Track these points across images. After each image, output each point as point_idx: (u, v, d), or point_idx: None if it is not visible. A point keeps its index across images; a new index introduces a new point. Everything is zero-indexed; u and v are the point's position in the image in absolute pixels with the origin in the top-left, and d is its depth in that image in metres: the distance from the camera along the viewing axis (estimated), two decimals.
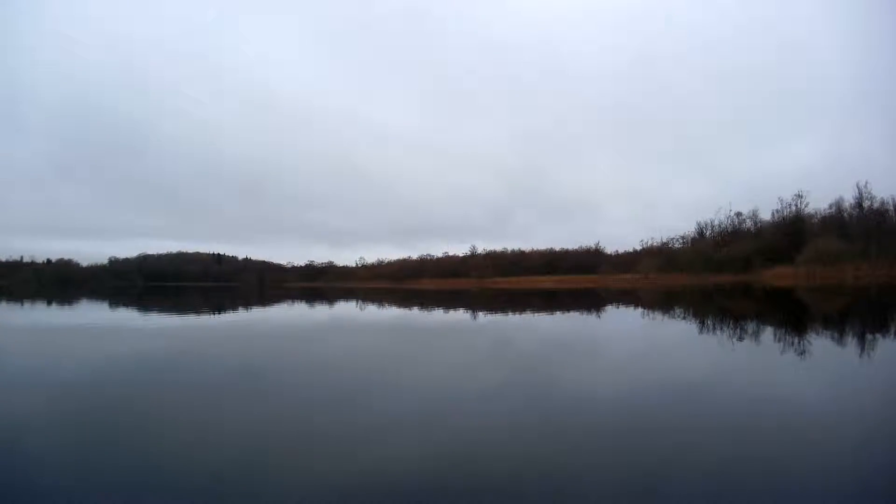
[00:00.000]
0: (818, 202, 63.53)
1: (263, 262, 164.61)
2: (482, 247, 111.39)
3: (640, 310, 16.65)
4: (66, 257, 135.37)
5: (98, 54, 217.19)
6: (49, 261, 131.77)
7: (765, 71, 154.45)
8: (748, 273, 53.25)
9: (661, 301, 21.61)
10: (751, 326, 10.03)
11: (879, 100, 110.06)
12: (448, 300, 25.57)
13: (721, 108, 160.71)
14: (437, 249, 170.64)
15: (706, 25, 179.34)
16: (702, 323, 11.20)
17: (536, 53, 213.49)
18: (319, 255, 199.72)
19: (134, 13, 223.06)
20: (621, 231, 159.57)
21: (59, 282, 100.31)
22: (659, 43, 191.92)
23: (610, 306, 18.91)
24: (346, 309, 19.34)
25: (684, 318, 13.06)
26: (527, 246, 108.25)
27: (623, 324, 12.47)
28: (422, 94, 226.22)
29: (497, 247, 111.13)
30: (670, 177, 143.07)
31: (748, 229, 66.58)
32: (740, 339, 8.15)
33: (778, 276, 48.66)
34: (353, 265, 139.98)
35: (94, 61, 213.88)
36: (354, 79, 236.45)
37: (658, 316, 13.95)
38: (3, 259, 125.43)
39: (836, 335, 8.37)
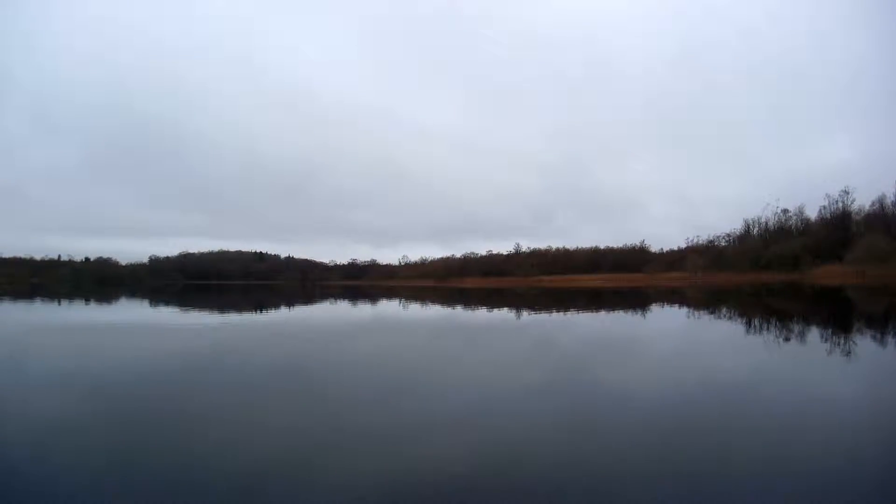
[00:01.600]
0: (860, 200, 61.45)
1: (305, 261, 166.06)
2: (526, 245, 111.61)
3: (695, 310, 16.16)
4: (105, 256, 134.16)
5: (134, 54, 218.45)
6: (87, 259, 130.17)
7: (806, 67, 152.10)
8: (796, 272, 53.33)
9: (715, 300, 21.16)
10: (821, 330, 9.71)
11: None
12: (492, 299, 25.31)
13: (763, 105, 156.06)
14: (481, 248, 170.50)
15: (749, 21, 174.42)
16: (770, 326, 10.69)
17: (579, 49, 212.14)
18: (362, 253, 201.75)
19: (168, 13, 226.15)
20: (664, 229, 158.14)
21: (97, 280, 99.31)
22: (702, 39, 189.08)
23: (663, 306, 18.51)
24: (390, 308, 19.25)
25: (746, 320, 12.46)
26: (570, 244, 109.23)
27: (679, 324, 12.23)
28: (464, 92, 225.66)
29: (540, 245, 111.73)
30: (712, 174, 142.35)
31: (794, 227, 66.33)
32: (811, 343, 7.86)
33: (827, 274, 48.67)
34: (396, 264, 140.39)
35: (130, 61, 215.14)
36: (396, 77, 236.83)
37: (714, 317, 13.49)
38: (39, 258, 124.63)
39: None
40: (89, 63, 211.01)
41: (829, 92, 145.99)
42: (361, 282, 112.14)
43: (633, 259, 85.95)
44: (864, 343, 7.68)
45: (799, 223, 66.65)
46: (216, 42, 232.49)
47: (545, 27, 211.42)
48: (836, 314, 13.84)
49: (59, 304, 22.10)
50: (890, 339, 8.23)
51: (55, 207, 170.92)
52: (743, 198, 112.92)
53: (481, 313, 16.07)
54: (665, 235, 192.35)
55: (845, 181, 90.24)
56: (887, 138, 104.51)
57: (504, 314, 15.63)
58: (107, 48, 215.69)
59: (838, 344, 7.53)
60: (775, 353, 6.83)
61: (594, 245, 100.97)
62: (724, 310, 15.74)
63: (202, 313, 16.36)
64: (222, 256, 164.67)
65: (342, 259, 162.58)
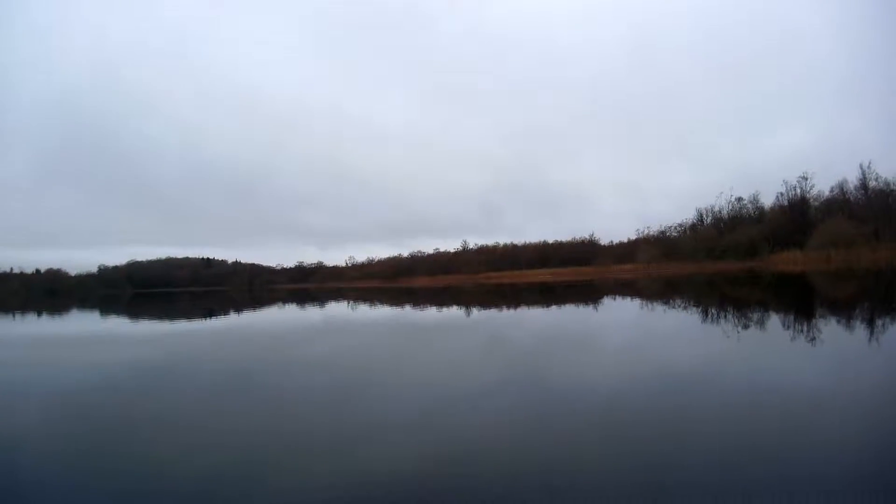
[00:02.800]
0: (817, 186, 60.41)
1: (253, 265, 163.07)
2: (473, 242, 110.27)
3: (648, 301, 15.66)
4: (55, 267, 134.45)
5: (78, 54, 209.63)
6: (38, 271, 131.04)
7: (757, 58, 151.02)
8: (754, 259, 51.15)
9: (668, 291, 20.58)
10: (784, 317, 9.32)
11: (872, 83, 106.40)
12: (441, 297, 25.50)
13: (717, 94, 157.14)
14: (428, 246, 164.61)
15: (702, 12, 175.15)
16: (728, 315, 10.20)
17: (530, 46, 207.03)
18: (309, 255, 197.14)
19: (113, 10, 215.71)
20: (614, 223, 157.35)
21: (47, 292, 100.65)
22: (654, 29, 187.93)
23: (614, 298, 18.25)
24: (338, 310, 19.36)
25: (701, 309, 11.97)
26: (519, 240, 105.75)
27: (631, 315, 11.88)
28: (417, 91, 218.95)
29: (489, 241, 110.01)
30: (662, 166, 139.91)
31: (749, 214, 64.72)
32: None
33: (787, 260, 46.51)
34: (343, 265, 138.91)
35: (74, 61, 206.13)
36: (347, 76, 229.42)
37: (667, 307, 13.13)
38: None
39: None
40: (32, 67, 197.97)
41: (784, 79, 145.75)
42: (309, 284, 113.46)
43: (583, 252, 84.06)
44: (830, 328, 7.51)
45: (754, 211, 65.09)
46: (162, 42, 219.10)
47: (498, 25, 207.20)
48: (800, 300, 13.66)
49: (14, 317, 22.40)
50: (858, 323, 7.94)
51: (2, 218, 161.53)
52: (696, 189, 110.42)
53: (430, 312, 16.03)
54: (616, 229, 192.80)
55: (800, 168, 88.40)
56: (842, 124, 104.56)
57: (453, 312, 15.59)
58: (50, 51, 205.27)
59: (801, 330, 7.48)
60: (733, 342, 6.73)
61: (543, 240, 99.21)
62: (677, 300, 15.55)
63: (151, 322, 16.22)
64: (170, 263, 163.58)
65: (290, 262, 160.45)
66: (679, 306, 13.15)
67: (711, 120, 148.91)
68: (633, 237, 78.77)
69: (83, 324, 16.84)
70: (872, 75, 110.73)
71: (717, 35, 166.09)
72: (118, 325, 15.68)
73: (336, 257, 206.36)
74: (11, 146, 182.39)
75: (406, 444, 3.20)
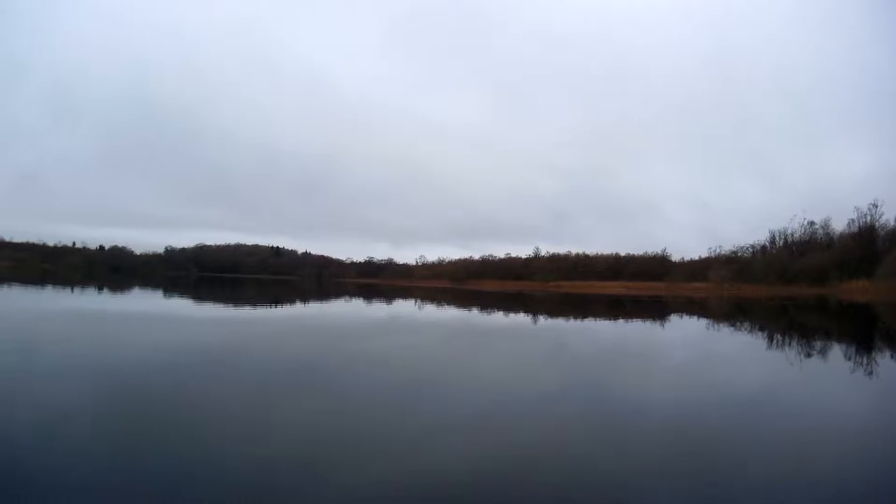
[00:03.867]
0: (886, 214, 60.29)
1: (322, 257, 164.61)
2: (545, 249, 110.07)
3: (719, 322, 15.69)
4: (120, 244, 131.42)
5: (152, 42, 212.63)
6: (102, 247, 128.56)
7: (835, 75, 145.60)
8: (823, 286, 52.74)
9: (740, 313, 20.30)
10: (848, 348, 9.48)
11: None
12: (510, 303, 24.89)
13: (788, 113, 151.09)
14: (499, 250, 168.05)
15: (778, 26, 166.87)
16: (797, 342, 10.47)
17: (601, 50, 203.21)
18: (381, 252, 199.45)
19: (187, 2, 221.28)
20: (682, 237, 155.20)
21: (110, 268, 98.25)
22: (729, 42, 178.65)
23: (685, 316, 18.06)
24: (405, 308, 19.14)
25: (771, 335, 12.16)
26: (587, 249, 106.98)
27: (700, 335, 11.95)
28: (484, 91, 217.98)
29: (559, 249, 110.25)
30: (732, 182, 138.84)
31: (820, 239, 65.49)
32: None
33: (855, 289, 47.88)
34: (413, 263, 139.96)
35: (148, 49, 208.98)
36: (416, 75, 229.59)
37: (737, 329, 13.27)
38: (52, 244, 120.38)
39: None
40: (107, 51, 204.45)
41: (857, 102, 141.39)
42: (378, 280, 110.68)
43: (654, 267, 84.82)
44: (888, 363, 7.61)
45: (824, 236, 65.88)
46: (236, 33, 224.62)
47: (563, 27, 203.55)
48: (865, 331, 13.65)
49: (72, 291, 21.91)
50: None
51: (71, 196, 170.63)
52: (764, 209, 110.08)
53: (499, 317, 16.06)
54: (684, 244, 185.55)
55: (869, 194, 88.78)
56: None
57: (522, 319, 15.64)
58: (126, 36, 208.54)
59: (863, 362, 7.51)
60: (797, 369, 6.81)
61: (613, 251, 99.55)
62: (747, 323, 15.52)
63: (216, 306, 16.37)
64: (238, 250, 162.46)
65: (359, 257, 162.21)
66: (755, 331, 12.98)
67: (782, 139, 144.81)
68: (704, 254, 79.41)
69: (143, 303, 16.54)
70: None
71: (784, 48, 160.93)
72: (179, 306, 15.43)
73: (407, 256, 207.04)
74: (86, 129, 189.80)
75: (458, 446, 3.20)
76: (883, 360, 7.86)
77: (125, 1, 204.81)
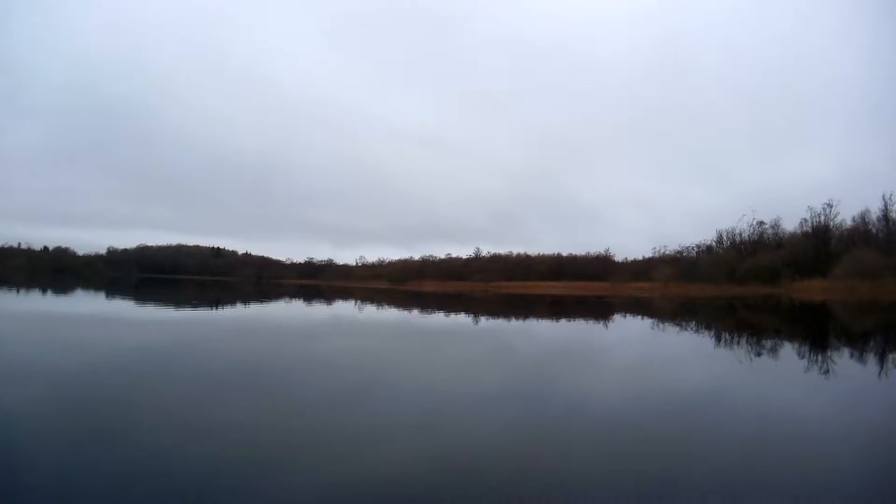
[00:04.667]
0: (839, 215, 59.68)
1: (262, 258, 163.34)
2: (486, 250, 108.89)
3: (662, 321, 15.41)
4: (63, 245, 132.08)
5: (101, 37, 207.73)
6: (46, 248, 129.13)
7: (786, 81, 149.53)
8: (774, 285, 50.00)
9: (685, 312, 20.17)
10: (801, 346, 9.37)
11: (889, 111, 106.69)
12: (450, 303, 24.96)
13: (738, 118, 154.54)
14: (440, 251, 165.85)
15: (731, 32, 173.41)
16: (744, 340, 10.28)
17: (555, 56, 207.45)
18: (322, 253, 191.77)
19: None
20: (629, 239, 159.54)
21: (53, 270, 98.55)
22: (676, 50, 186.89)
23: (629, 316, 18.18)
24: (345, 309, 19.13)
25: (717, 333, 11.90)
26: (532, 251, 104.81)
27: (644, 334, 11.76)
28: (436, 93, 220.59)
29: (501, 250, 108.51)
30: (679, 185, 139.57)
31: (769, 240, 64.03)
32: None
33: (809, 288, 45.50)
34: (353, 264, 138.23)
35: (96, 44, 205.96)
36: (367, 75, 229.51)
37: (683, 329, 13.03)
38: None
39: None
40: (60, 44, 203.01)
41: (807, 106, 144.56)
42: (317, 281, 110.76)
43: (597, 267, 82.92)
44: (846, 361, 7.40)
45: (774, 236, 64.27)
46: (189, 30, 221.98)
47: (520, 31, 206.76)
48: (821, 330, 13.34)
49: (17, 293, 22.01)
50: (874, 357, 8.02)
51: (18, 192, 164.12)
52: (711, 210, 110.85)
53: (438, 318, 16.01)
54: (630, 245, 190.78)
55: (819, 196, 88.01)
56: (864, 154, 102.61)
57: (462, 319, 15.56)
58: (77, 30, 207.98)
59: (820, 360, 7.40)
60: (746, 368, 6.68)
61: (556, 252, 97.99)
62: (694, 322, 15.48)
63: (158, 308, 16.18)
64: (180, 250, 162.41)
65: (300, 257, 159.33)
66: (700, 329, 12.95)
67: (731, 141, 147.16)
68: (648, 255, 78.41)
69: (86, 304, 16.59)
70: (891, 104, 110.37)
71: (740, 55, 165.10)
72: (123, 308, 15.52)
73: (348, 256, 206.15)
74: (28, 124, 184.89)
75: (405, 447, 3.21)
76: (839, 358, 7.69)
77: None
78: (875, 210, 55.23)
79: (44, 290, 24.59)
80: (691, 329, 13.04)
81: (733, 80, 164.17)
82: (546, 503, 2.38)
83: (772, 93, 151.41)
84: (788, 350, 8.72)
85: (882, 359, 7.72)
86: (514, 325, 14.09)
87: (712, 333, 12.00)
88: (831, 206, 58.13)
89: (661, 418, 3.98)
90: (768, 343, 9.75)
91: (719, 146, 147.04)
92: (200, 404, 4.07)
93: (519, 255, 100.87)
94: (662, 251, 74.71)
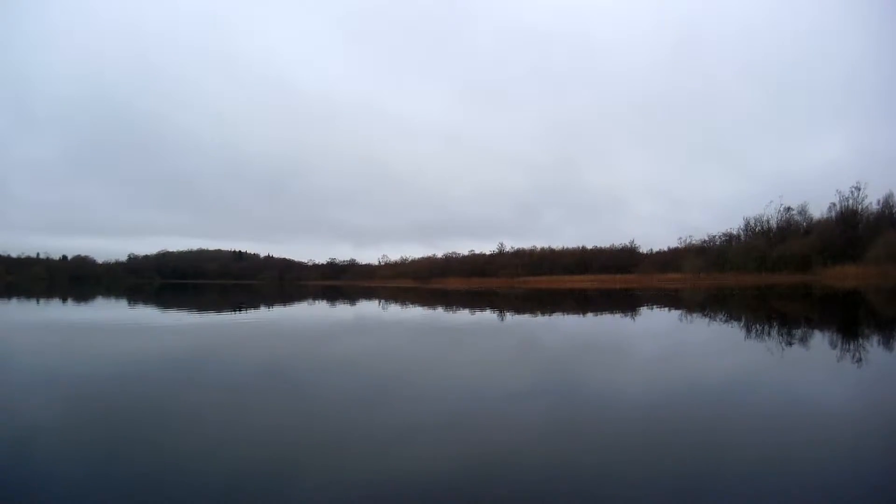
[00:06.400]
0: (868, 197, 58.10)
1: (284, 260, 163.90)
2: (510, 245, 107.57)
3: (694, 313, 14.59)
4: (83, 254, 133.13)
5: (112, 48, 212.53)
6: (65, 257, 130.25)
7: (803, 65, 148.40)
8: (807, 272, 49.47)
9: (721, 304, 19.09)
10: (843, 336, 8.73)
11: None
12: (475, 300, 24.41)
13: (757, 104, 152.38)
14: (463, 247, 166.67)
15: (747, 17, 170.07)
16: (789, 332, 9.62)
17: (569, 44, 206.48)
18: (344, 253, 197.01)
19: (149, 4, 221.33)
20: (651, 230, 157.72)
21: (73, 278, 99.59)
22: (697, 34, 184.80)
23: (662, 309, 17.28)
24: (369, 309, 18.92)
25: (759, 325, 11.06)
26: (554, 244, 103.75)
27: (677, 327, 11.11)
28: (450, 89, 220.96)
29: (525, 245, 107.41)
30: (698, 172, 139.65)
31: (797, 225, 62.48)
32: None
33: (842, 275, 44.63)
34: (376, 263, 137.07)
35: (108, 55, 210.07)
36: (380, 73, 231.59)
37: (718, 321, 12.43)
38: (15, 255, 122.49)
39: None
40: (70, 55, 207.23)
41: (825, 91, 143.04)
42: (340, 282, 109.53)
43: (623, 260, 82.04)
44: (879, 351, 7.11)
45: (803, 222, 62.59)
46: (198, 35, 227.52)
47: (532, 21, 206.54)
48: (856, 319, 12.65)
49: (38, 303, 21.87)
50: None
51: (36, 205, 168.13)
52: (733, 198, 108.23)
53: (463, 315, 15.47)
54: (653, 236, 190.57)
55: (840, 182, 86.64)
56: (886, 137, 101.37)
57: (487, 316, 15.07)
58: (85, 40, 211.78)
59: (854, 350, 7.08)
60: (780, 359, 6.49)
61: (580, 244, 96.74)
62: (733, 314, 14.60)
63: (180, 313, 16.14)
64: (201, 255, 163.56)
65: (322, 258, 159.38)
66: (742, 323, 12.01)
67: (750, 128, 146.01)
68: (673, 245, 77.58)
69: (106, 312, 16.46)
70: None
71: (756, 39, 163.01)
72: (143, 315, 15.29)
73: (370, 256, 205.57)
74: (49, 135, 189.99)
75: (432, 446, 3.20)
76: (871, 348, 7.32)
77: (87, 5, 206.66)
78: None
79: (63, 299, 24.21)
80: (733, 322, 12.19)
81: (752, 65, 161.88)
82: (577, 501, 2.37)
83: (792, 78, 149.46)
84: (829, 341, 8.20)
85: None
86: (543, 320, 13.57)
87: (752, 325, 11.23)
88: (859, 189, 56.73)
89: (694, 412, 3.92)
90: (827, 336, 8.92)
91: (738, 133, 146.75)
92: (230, 407, 4.08)
93: (543, 250, 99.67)
94: (688, 241, 73.67)
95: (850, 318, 12.81)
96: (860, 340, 8.08)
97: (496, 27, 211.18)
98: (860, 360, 6.23)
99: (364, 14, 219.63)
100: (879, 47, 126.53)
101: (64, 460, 2.93)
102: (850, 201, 57.26)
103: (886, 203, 54.89)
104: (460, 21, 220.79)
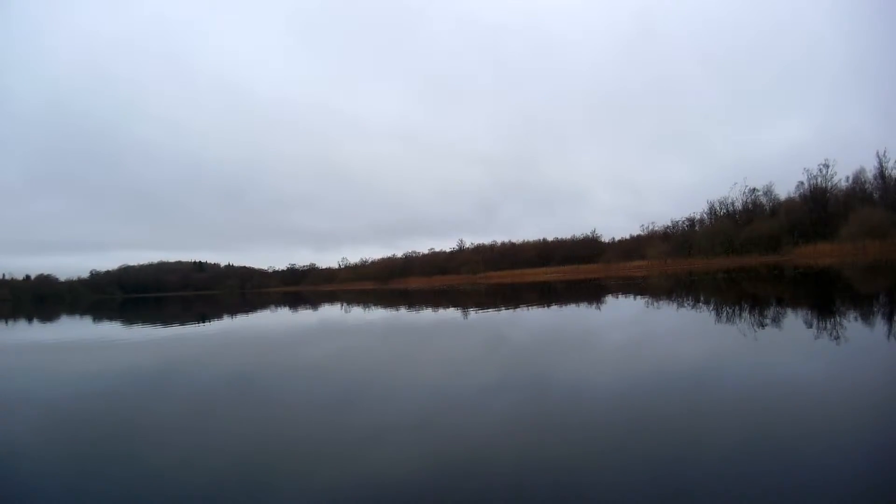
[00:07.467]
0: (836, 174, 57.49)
1: (245, 268, 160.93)
2: (469, 241, 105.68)
3: (660, 299, 14.52)
4: (45, 272, 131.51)
5: (66, 55, 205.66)
6: (28, 277, 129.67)
7: (755, 48, 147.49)
8: (778, 253, 47.51)
9: (689, 289, 18.50)
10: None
11: (869, 72, 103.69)
12: (438, 299, 24.50)
13: (709, 89, 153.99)
14: (423, 246, 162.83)
15: (698, 4, 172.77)
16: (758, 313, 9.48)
17: (524, 38, 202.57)
18: (304, 257, 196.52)
19: (100, 9, 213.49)
20: (611, 220, 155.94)
21: (36, 298, 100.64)
22: (649, 25, 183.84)
23: (628, 297, 17.18)
24: (330, 313, 18.92)
25: (729, 308, 10.92)
26: (515, 238, 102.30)
27: (644, 314, 11.25)
28: (405, 85, 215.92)
29: (485, 240, 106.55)
30: (658, 160, 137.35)
31: (763, 207, 60.75)
32: None
33: (814, 253, 43.12)
34: (336, 266, 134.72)
35: (62, 63, 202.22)
36: (333, 73, 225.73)
37: (687, 306, 12.14)
38: None
39: None
40: (20, 70, 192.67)
41: (784, 74, 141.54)
42: (301, 287, 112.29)
43: (586, 250, 79.51)
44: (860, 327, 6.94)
45: (768, 202, 61.08)
46: (149, 41, 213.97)
47: (487, 17, 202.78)
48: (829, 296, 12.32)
49: (6, 324, 22.28)
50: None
51: None
52: (694, 185, 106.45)
53: (427, 314, 15.63)
54: (614, 225, 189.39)
55: (804, 162, 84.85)
56: (848, 116, 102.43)
57: (451, 314, 15.13)
58: (38, 52, 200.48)
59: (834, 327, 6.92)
60: (753, 340, 6.48)
61: (541, 237, 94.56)
62: (696, 298, 14.45)
63: (145, 328, 15.86)
64: (161, 268, 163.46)
65: (282, 264, 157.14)
66: (704, 305, 12.12)
67: (710, 114, 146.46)
68: (635, 233, 74.99)
69: (72, 330, 16.58)
70: (870, 65, 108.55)
71: (712, 25, 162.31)
72: (109, 331, 15.40)
73: (330, 259, 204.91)
74: (4, 151, 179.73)
75: (404, 446, 3.18)
76: (847, 324, 7.15)
77: (33, 18, 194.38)
78: (870, 168, 52.71)
79: (29, 320, 24.79)
80: (696, 306, 12.04)
81: (709, 50, 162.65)
82: (554, 497, 2.29)
83: (749, 61, 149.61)
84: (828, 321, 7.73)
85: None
86: (503, 315, 13.33)
87: (717, 308, 11.15)
88: (828, 167, 54.99)
89: (668, 401, 3.83)
90: (799, 315, 8.82)
91: (698, 119, 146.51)
92: (201, 418, 4.09)
93: (504, 244, 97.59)
94: (651, 228, 71.16)
95: (821, 295, 12.65)
96: (836, 318, 7.86)
97: (451, 24, 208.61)
98: (836, 337, 6.12)
99: (312, 13, 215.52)
100: (839, 25, 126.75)
101: (39, 476, 2.98)
102: (819, 179, 55.62)
103: (857, 179, 53.73)
104: (414, 19, 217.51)
